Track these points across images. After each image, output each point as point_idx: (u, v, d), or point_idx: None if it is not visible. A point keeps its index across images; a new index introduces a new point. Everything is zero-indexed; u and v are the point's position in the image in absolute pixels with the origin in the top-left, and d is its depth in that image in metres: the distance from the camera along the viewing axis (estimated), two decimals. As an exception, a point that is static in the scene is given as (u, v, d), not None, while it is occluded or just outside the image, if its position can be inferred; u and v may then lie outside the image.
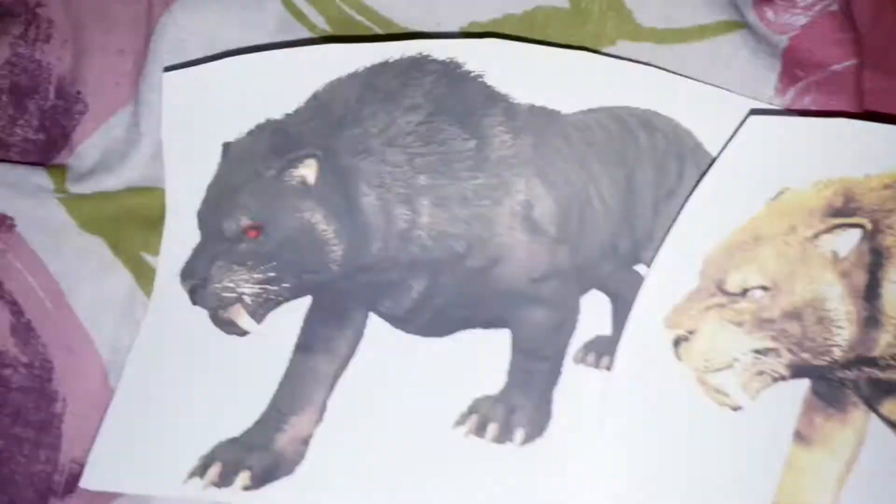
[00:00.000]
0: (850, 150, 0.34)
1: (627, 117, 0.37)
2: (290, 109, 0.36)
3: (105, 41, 0.39)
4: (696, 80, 0.37)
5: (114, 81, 0.39)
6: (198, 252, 0.35)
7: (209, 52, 0.38)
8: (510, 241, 0.36)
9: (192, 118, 0.36)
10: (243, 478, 0.33)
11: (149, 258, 0.38)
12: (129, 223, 0.38)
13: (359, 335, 0.36)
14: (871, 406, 0.34)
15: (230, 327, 0.35)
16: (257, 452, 0.34)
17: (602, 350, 0.36)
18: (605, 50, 0.38)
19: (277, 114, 0.36)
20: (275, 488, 0.33)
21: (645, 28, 0.38)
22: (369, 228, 0.35)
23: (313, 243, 0.35)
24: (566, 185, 0.36)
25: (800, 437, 0.34)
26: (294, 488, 0.33)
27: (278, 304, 0.35)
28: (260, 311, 0.35)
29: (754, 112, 0.35)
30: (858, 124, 0.34)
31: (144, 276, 0.38)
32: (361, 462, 0.34)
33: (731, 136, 0.35)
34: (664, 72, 0.37)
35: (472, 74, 0.36)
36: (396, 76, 0.36)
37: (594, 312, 0.36)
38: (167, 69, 0.37)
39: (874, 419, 0.34)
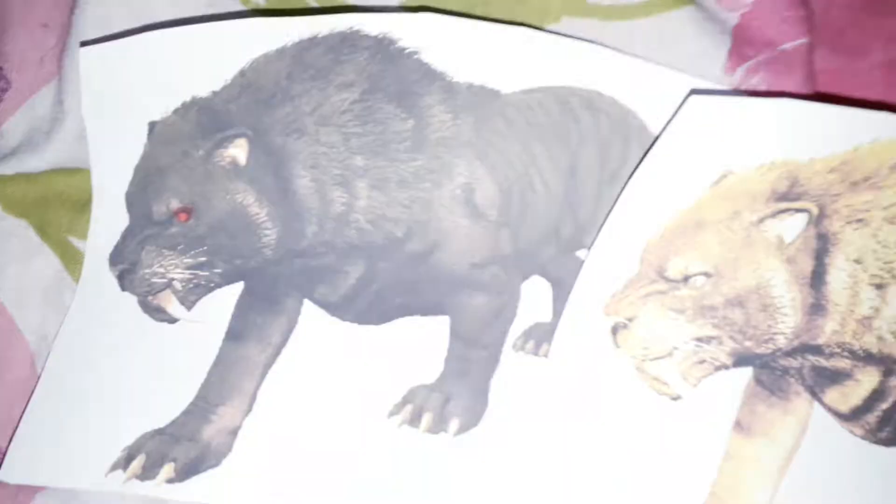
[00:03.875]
0: (794, 132, 0.33)
1: (570, 97, 0.36)
2: (217, 86, 0.35)
3: (27, 15, 0.38)
4: (641, 58, 0.35)
5: (37, 57, 0.38)
6: (126, 236, 0.34)
7: (136, 26, 0.36)
8: (450, 225, 0.35)
9: (113, 96, 0.35)
10: (167, 470, 0.32)
11: (76, 242, 0.37)
12: (55, 205, 0.37)
13: (292, 323, 0.35)
14: (815, 394, 0.34)
15: (159, 314, 0.34)
16: (183, 444, 0.33)
17: (542, 337, 0.35)
18: (549, 27, 0.37)
19: (204, 91, 0.35)
20: (199, 481, 0.32)
21: (590, 4, 0.36)
22: (304, 211, 0.34)
23: (245, 227, 0.34)
24: (507, 168, 0.35)
25: (740, 426, 0.34)
26: (219, 481, 0.32)
27: (209, 290, 0.34)
28: (190, 297, 0.34)
29: (695, 92, 0.34)
30: (803, 105, 0.33)
31: (72, 260, 0.36)
32: (291, 454, 0.33)
33: (672, 117, 0.33)
34: (608, 50, 0.35)
35: (408, 51, 0.35)
36: (327, 52, 0.35)
37: (535, 299, 0.35)
38: (84, 44, 0.35)
39: (817, 408, 0.34)
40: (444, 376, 0.34)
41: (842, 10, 0.38)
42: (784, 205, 0.33)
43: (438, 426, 0.33)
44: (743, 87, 0.36)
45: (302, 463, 0.33)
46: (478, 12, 0.36)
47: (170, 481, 0.32)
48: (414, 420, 0.34)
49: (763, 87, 0.36)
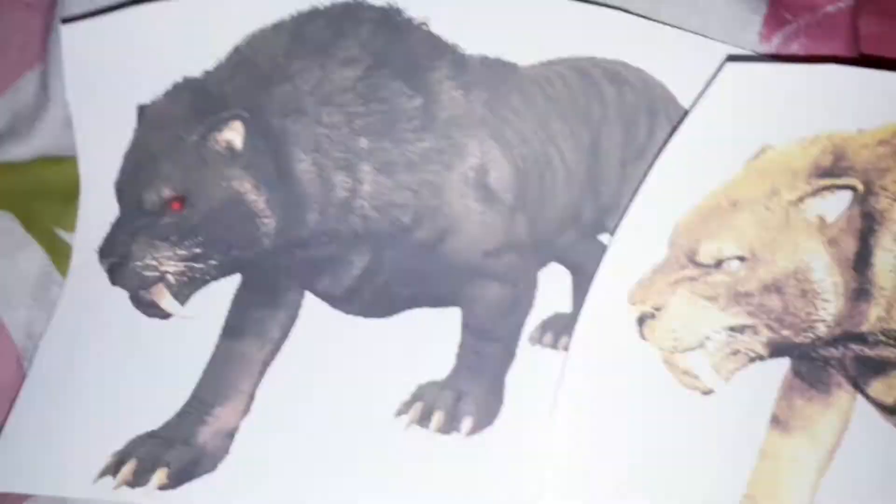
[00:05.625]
0: (841, 100, 0.30)
1: (592, 69, 0.33)
2: (210, 66, 0.33)
3: (9, -7, 0.36)
4: (669, 25, 0.33)
5: (21, 40, 0.36)
6: (117, 227, 0.32)
7: (122, 1, 0.34)
8: (462, 210, 0.32)
9: (100, 77, 0.33)
10: (159, 476, 0.30)
11: (63, 234, 0.35)
12: (41, 196, 0.35)
13: (293, 317, 0.33)
14: (858, 387, 0.31)
15: (152, 309, 0.32)
16: (177, 447, 0.31)
17: (561, 329, 0.33)
18: (569, -8, 0.35)
19: (196, 71, 0.33)
20: (194, 487, 0.30)
21: (614, -32, 0.34)
22: (304, 198, 0.32)
23: (242, 216, 0.32)
24: (524, 147, 0.33)
25: (777, 422, 0.31)
26: (215, 487, 0.30)
27: (204, 283, 0.32)
28: (184, 291, 0.32)
29: (731, 59, 0.31)
30: (851, 71, 0.30)
31: (59, 253, 0.35)
32: (291, 458, 0.31)
33: (706, 87, 0.31)
34: (633, 16, 0.33)
35: (415, 22, 0.33)
36: (328, 25, 0.32)
37: (553, 288, 0.33)
38: (65, 21, 0.33)
39: (860, 401, 0.31)
40: (455, 372, 0.32)
41: (885, -32, 0.36)
42: (827, 181, 0.30)
43: (450, 425, 0.31)
44: (781, 55, 0.33)
45: (303, 467, 0.31)
46: (490, -22, 0.34)
47: (162, 487, 0.30)
48: (424, 419, 0.31)
49: (803, 55, 0.33)
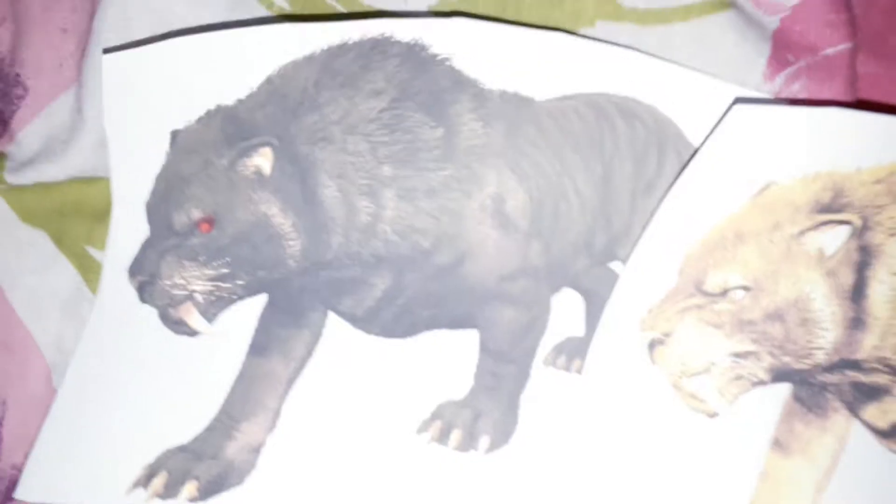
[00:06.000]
0: (840, 141, 0.32)
1: (605, 104, 0.35)
2: (243, 94, 0.34)
3: (47, 19, 0.37)
4: (679, 64, 0.34)
5: (56, 63, 0.37)
6: (146, 246, 0.33)
7: (156, 32, 0.35)
8: (480, 236, 0.34)
9: (136, 104, 0.34)
10: (190, 488, 0.31)
11: (94, 252, 0.36)
12: (73, 215, 0.36)
13: (317, 336, 0.34)
14: (854, 411, 0.33)
15: (180, 326, 0.33)
16: (206, 461, 0.32)
17: (574, 352, 0.34)
18: (583, 31, 0.36)
19: (229, 99, 0.34)
20: (222, 500, 0.31)
21: (626, 8, 0.35)
22: (329, 222, 0.33)
23: (269, 238, 0.33)
24: (540, 178, 0.34)
25: (778, 444, 0.33)
26: (243, 500, 0.32)
27: (231, 302, 0.33)
28: (212, 309, 0.33)
29: (739, 100, 0.33)
30: (850, 114, 0.32)
31: (90, 271, 0.36)
32: (315, 472, 0.32)
33: (715, 126, 0.32)
34: (645, 56, 0.34)
35: (439, 57, 0.34)
36: (356, 59, 0.33)
37: (566, 312, 0.34)
38: (107, 51, 0.34)
39: (856, 425, 0.33)
40: (473, 392, 0.34)
41: (884, 13, 0.37)
42: (826, 216, 0.32)
43: (468, 444, 0.33)
44: (783, 94, 0.35)
45: (327, 481, 0.32)
46: (510, 15, 0.35)
47: (192, 500, 0.31)
48: (443, 437, 0.33)
49: (804, 94, 0.35)
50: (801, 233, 0.32)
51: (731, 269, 0.32)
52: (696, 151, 0.33)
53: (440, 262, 0.34)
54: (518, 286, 0.34)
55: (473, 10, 0.36)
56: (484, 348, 0.34)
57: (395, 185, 0.33)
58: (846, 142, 0.32)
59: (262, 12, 0.36)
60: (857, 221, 0.32)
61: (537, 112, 0.34)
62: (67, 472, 0.32)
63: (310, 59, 0.34)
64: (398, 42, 0.34)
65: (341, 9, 0.36)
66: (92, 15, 0.36)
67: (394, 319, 0.34)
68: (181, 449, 0.32)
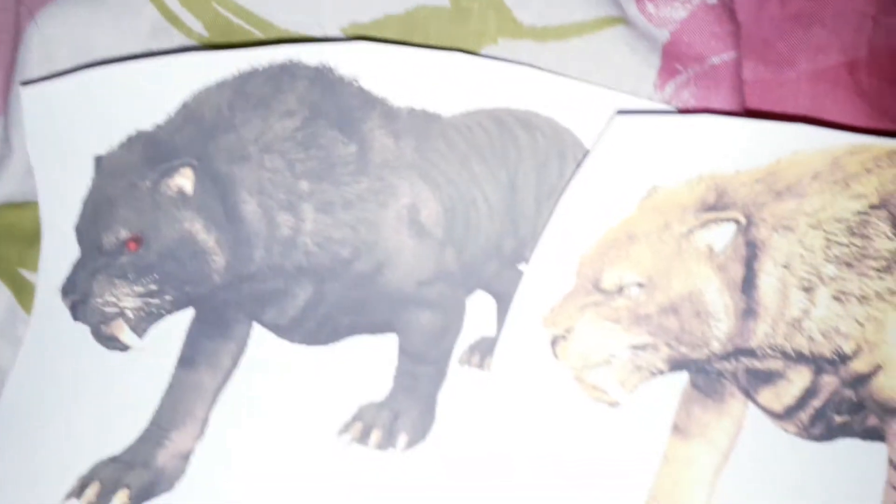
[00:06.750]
0: (719, 146, 0.34)
1: (507, 118, 0.37)
2: (161, 120, 0.35)
3: (-28, 51, 0.38)
4: (574, 78, 0.36)
5: (-18, 94, 0.38)
6: (78, 267, 0.35)
7: (80, 62, 0.36)
8: (397, 244, 0.35)
9: (58, 132, 0.35)
10: (121, 496, 0.33)
11: (27, 274, 0.37)
12: (5, 239, 0.37)
13: (242, 346, 0.36)
14: (749, 395, 0.35)
15: (112, 342, 0.35)
16: (137, 470, 0.34)
17: (487, 351, 0.36)
18: (487, 49, 0.38)
19: (148, 125, 0.35)
20: (153, 506, 0.33)
21: (525, 26, 0.37)
22: (251, 236, 0.35)
23: (194, 254, 0.34)
24: (451, 188, 0.36)
25: (678, 429, 0.35)
26: (172, 505, 0.33)
27: (160, 317, 0.35)
28: (142, 325, 0.35)
29: (620, 112, 0.35)
30: (723, 121, 0.34)
31: (23, 292, 0.37)
32: (243, 475, 0.34)
33: (598, 137, 0.35)
34: (541, 72, 0.36)
35: (346, 79, 0.36)
36: (267, 82, 0.35)
37: (480, 313, 0.36)
38: (24, 84, 0.35)
39: (751, 408, 0.35)
40: (393, 393, 0.35)
41: (771, 22, 0.40)
42: (712, 215, 0.34)
43: (387, 442, 0.34)
44: (673, 103, 0.37)
45: (254, 484, 0.34)
46: (418, 34, 0.37)
47: (124, 507, 0.33)
48: (363, 437, 0.34)
49: (693, 102, 0.37)
50: (690, 231, 0.34)
51: (626, 267, 0.34)
52: (580, 162, 0.35)
53: (360, 270, 0.36)
54: (435, 291, 0.36)
55: (384, 31, 0.37)
56: (403, 351, 0.36)
57: (313, 198, 0.35)
58: (725, 146, 0.34)
59: (182, 40, 0.38)
60: (742, 219, 0.34)
61: (444, 127, 0.36)
62: (3, 485, 0.33)
63: (222, 85, 0.35)
64: (306, 66, 0.36)
65: (258, 34, 0.38)
66: (15, 47, 0.37)
67: (316, 327, 0.36)
68: (113, 459, 0.34)
